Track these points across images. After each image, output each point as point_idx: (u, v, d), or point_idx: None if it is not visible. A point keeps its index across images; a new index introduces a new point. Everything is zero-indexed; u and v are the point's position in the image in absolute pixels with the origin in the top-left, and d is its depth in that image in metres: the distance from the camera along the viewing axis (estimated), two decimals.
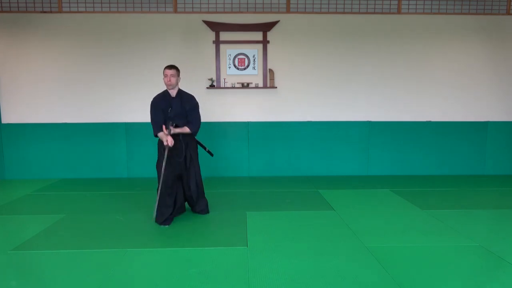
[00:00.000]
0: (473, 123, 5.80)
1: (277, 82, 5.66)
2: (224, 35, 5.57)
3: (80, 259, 2.81)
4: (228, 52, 5.57)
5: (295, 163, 5.78)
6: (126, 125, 5.64)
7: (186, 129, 3.66)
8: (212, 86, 5.58)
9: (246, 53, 5.58)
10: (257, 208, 4.08)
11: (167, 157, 3.51)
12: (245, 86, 5.56)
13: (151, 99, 3.70)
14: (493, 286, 2.40)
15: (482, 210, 4.02)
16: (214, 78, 5.60)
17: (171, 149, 3.54)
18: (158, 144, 3.73)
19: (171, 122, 3.56)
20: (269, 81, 5.61)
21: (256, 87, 5.60)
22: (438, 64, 5.72)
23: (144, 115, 5.62)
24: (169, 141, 3.49)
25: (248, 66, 5.60)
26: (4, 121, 5.58)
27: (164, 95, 3.68)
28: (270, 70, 5.60)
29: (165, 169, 3.50)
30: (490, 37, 5.70)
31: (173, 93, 3.66)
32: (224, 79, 5.59)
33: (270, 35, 5.59)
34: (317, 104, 5.72)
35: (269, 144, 5.69)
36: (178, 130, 3.60)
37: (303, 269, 2.62)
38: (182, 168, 3.70)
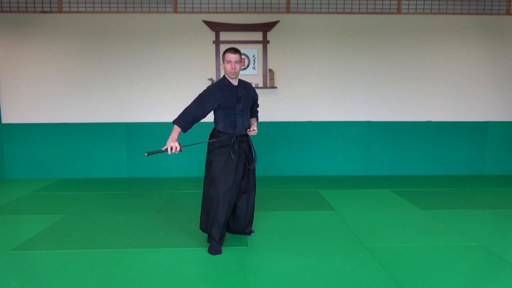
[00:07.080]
0: (473, 123, 5.80)
1: (277, 82, 5.67)
2: (224, 35, 5.57)
3: (80, 259, 2.81)
4: None
5: (295, 163, 5.78)
6: (126, 125, 5.64)
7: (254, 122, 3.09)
8: None
9: (246, 53, 5.58)
10: (256, 208, 4.05)
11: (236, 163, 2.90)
12: None
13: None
14: (493, 286, 2.40)
15: (482, 210, 4.02)
16: (214, 78, 5.60)
17: (240, 154, 2.95)
18: (208, 146, 3.02)
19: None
20: (269, 81, 5.61)
21: (256, 87, 5.59)
22: (438, 64, 5.72)
23: (144, 115, 5.64)
24: (173, 149, 2.72)
25: (248, 66, 5.60)
26: (4, 121, 5.58)
27: (226, 84, 2.94)
28: (270, 70, 5.60)
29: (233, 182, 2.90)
30: (490, 37, 5.69)
31: (234, 82, 2.97)
32: None
33: (270, 35, 5.59)
34: (317, 104, 5.72)
35: (269, 144, 5.68)
36: (254, 129, 3.00)
37: (303, 269, 2.62)
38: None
